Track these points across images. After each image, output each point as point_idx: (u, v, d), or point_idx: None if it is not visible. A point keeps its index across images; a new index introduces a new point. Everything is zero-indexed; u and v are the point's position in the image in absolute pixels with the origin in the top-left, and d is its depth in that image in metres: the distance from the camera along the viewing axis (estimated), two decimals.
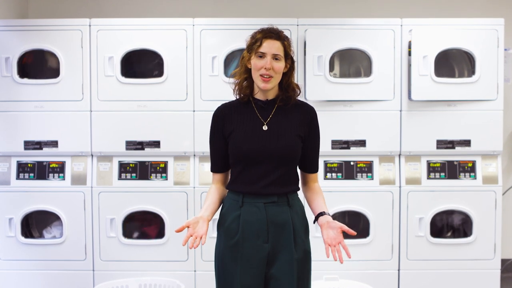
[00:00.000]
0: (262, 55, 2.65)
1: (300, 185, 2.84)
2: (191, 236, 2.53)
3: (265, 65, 2.63)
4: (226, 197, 2.80)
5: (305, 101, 4.11)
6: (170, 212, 4.39)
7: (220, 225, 2.76)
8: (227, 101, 2.83)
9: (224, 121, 2.75)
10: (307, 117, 2.77)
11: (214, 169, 2.84)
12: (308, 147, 2.78)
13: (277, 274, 2.67)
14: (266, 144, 2.66)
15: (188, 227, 2.57)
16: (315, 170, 2.86)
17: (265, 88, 2.67)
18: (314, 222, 2.76)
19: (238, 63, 2.92)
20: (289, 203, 2.70)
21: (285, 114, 2.74)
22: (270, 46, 2.65)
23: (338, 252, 2.58)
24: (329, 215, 2.72)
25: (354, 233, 2.57)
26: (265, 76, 2.64)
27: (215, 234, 2.84)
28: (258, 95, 2.74)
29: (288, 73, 2.74)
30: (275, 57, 2.65)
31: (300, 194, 2.84)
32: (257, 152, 2.65)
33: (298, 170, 2.83)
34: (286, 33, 4.13)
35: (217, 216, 2.84)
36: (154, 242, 4.42)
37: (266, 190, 2.66)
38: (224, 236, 2.72)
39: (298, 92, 2.79)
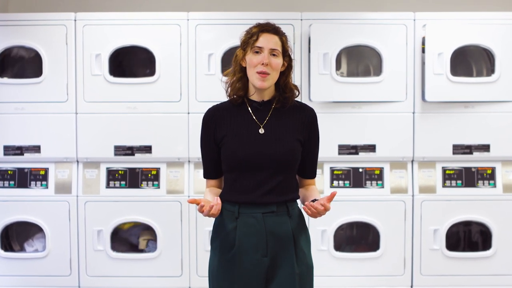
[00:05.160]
0: (258, 50, 2.65)
1: None
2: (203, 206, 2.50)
3: (263, 60, 2.62)
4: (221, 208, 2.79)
5: (309, 102, 4.16)
6: (162, 223, 4.39)
7: (215, 238, 2.75)
8: (218, 103, 2.83)
9: (216, 125, 2.74)
10: (307, 120, 2.76)
11: (207, 176, 2.85)
12: (308, 152, 2.78)
13: None
14: (263, 149, 2.65)
15: (198, 203, 2.51)
16: (314, 175, 2.87)
17: (262, 87, 2.66)
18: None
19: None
20: (289, 213, 2.70)
21: (283, 116, 2.73)
22: (268, 40, 2.65)
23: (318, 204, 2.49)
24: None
25: (334, 192, 2.50)
26: (262, 73, 2.64)
27: (209, 248, 2.84)
28: (253, 96, 2.74)
29: (286, 72, 2.74)
30: (273, 53, 2.65)
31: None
32: (254, 157, 2.65)
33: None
34: (289, 28, 4.25)
35: (210, 228, 2.83)
36: (145, 256, 4.42)
37: (264, 199, 2.66)
38: (219, 250, 2.71)
39: (296, 93, 2.79)
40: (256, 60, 2.64)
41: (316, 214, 2.52)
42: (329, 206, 2.51)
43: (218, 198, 2.54)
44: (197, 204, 2.50)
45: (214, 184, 2.84)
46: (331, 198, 2.50)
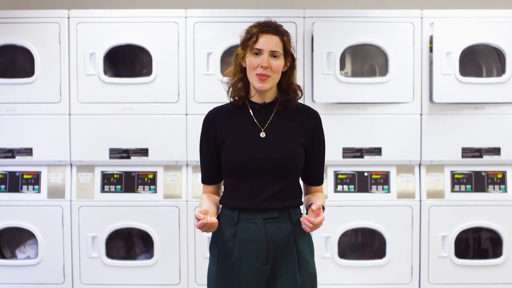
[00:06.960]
0: (258, 52, 2.63)
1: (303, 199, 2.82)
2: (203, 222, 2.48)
3: (262, 63, 2.60)
4: (220, 214, 2.77)
5: (312, 103, 4.15)
6: (159, 229, 4.38)
7: (213, 245, 2.74)
8: (218, 105, 2.80)
9: (216, 128, 2.72)
10: (310, 122, 2.74)
11: (205, 181, 2.83)
12: (312, 156, 2.75)
13: None
14: (264, 153, 2.63)
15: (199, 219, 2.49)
16: (320, 182, 2.84)
17: (262, 89, 2.64)
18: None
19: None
20: (291, 219, 2.68)
21: (285, 119, 2.71)
22: (268, 42, 2.63)
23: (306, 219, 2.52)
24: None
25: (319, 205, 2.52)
26: (262, 76, 2.61)
27: (208, 255, 2.81)
28: (255, 98, 2.72)
29: (288, 73, 2.72)
30: (273, 54, 2.63)
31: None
32: (254, 162, 2.63)
33: (301, 182, 2.81)
34: (291, 26, 4.22)
35: (209, 235, 2.81)
36: (142, 263, 4.41)
37: (265, 205, 2.64)
38: (218, 257, 2.70)
39: (300, 94, 2.76)
40: (255, 63, 2.62)
41: (312, 228, 2.52)
42: (317, 220, 2.51)
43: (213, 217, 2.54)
44: (198, 220, 2.48)
45: (212, 190, 2.82)
46: (317, 212, 2.51)
